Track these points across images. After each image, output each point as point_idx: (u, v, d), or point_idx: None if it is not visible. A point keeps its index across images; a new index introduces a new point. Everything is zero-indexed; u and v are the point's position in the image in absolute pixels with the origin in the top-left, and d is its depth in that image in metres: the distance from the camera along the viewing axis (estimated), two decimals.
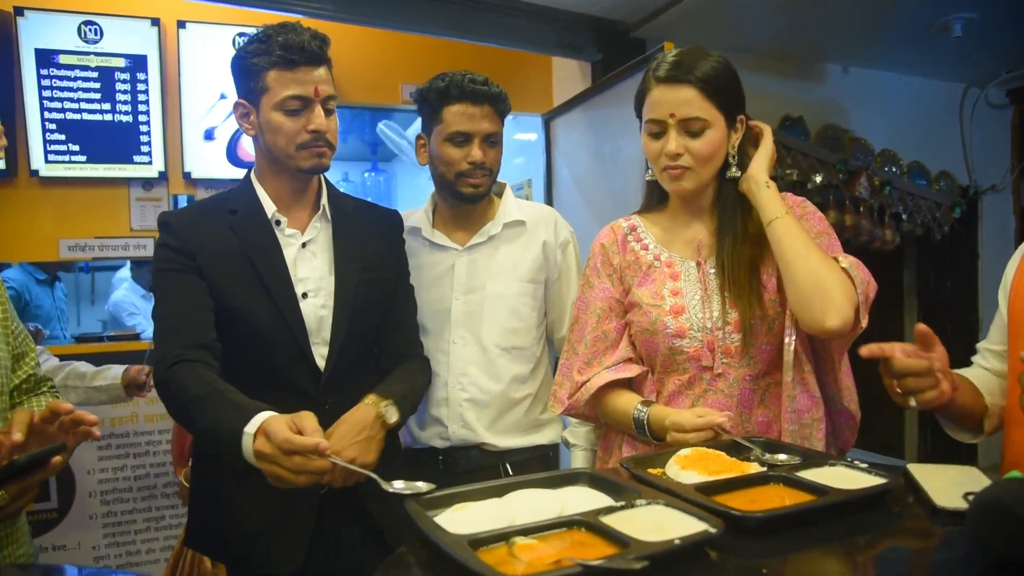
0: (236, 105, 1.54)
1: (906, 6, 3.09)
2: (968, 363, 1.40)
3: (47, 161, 2.85)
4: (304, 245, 1.55)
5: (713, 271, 1.41)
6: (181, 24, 2.98)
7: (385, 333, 1.64)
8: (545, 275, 1.83)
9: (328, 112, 1.51)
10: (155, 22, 2.96)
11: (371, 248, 1.60)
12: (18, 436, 1.10)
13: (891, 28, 3.36)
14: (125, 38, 2.92)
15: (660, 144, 1.38)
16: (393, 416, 1.44)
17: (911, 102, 4.08)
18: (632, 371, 1.44)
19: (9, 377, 1.36)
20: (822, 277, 1.27)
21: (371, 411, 1.42)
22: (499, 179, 1.86)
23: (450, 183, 1.75)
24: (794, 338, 1.35)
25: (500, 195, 1.87)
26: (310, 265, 1.54)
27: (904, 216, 3.88)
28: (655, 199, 1.54)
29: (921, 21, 3.22)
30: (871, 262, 1.35)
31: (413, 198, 4.92)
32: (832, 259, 1.32)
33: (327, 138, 1.50)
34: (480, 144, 1.73)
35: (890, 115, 3.98)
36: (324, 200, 1.58)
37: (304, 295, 1.51)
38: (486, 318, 1.78)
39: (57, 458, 1.12)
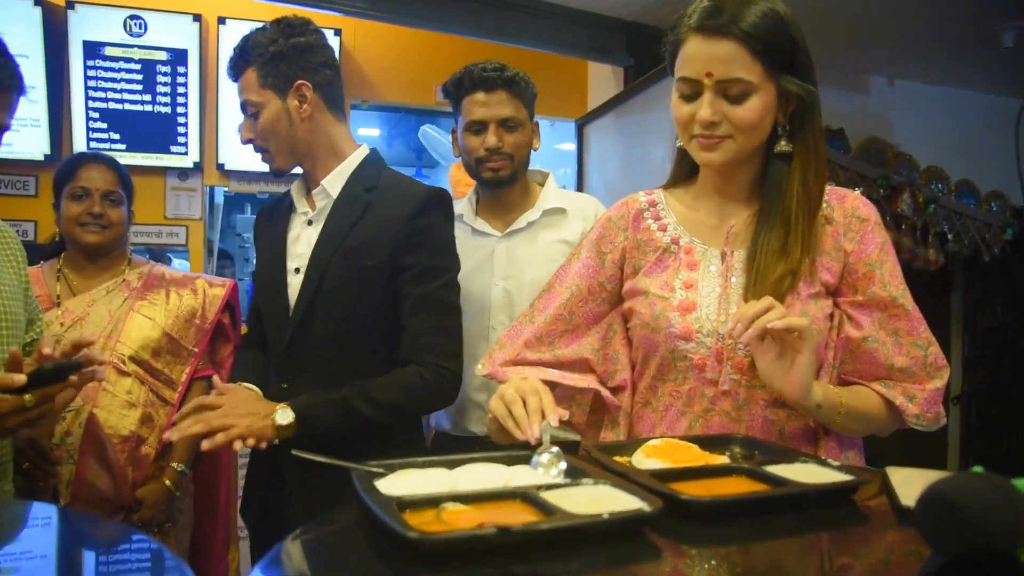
0: (299, 86, 1.53)
1: (954, 16, 2.99)
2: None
3: (88, 147, 2.98)
4: (310, 223, 1.56)
5: (740, 265, 1.18)
6: (221, 20, 3.10)
7: (380, 325, 1.53)
8: None
9: (252, 116, 1.57)
10: (197, 18, 3.08)
11: (361, 234, 1.50)
12: (46, 350, 1.27)
13: (938, 39, 3.25)
14: (168, 32, 3.05)
15: (692, 108, 1.14)
16: (285, 419, 1.38)
17: (961, 117, 3.93)
18: (580, 382, 1.24)
19: (22, 336, 1.49)
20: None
21: (271, 404, 1.41)
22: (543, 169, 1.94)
23: (475, 172, 1.83)
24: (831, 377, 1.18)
25: (543, 183, 1.90)
26: (307, 242, 1.55)
27: (950, 236, 3.73)
28: (684, 171, 1.29)
29: (970, 32, 3.11)
30: (913, 282, 1.21)
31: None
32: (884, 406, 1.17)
33: (255, 143, 1.59)
34: (495, 130, 1.76)
35: (938, 130, 3.84)
36: (326, 179, 1.55)
37: (296, 270, 1.54)
38: (525, 303, 1.75)
39: (73, 377, 1.24)
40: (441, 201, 1.56)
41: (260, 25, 1.54)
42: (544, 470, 0.93)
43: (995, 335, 4.07)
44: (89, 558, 0.89)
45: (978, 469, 0.76)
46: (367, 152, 1.60)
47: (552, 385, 1.19)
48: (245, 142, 1.56)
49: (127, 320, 1.84)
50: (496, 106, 1.76)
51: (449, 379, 1.50)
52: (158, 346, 1.86)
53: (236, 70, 1.53)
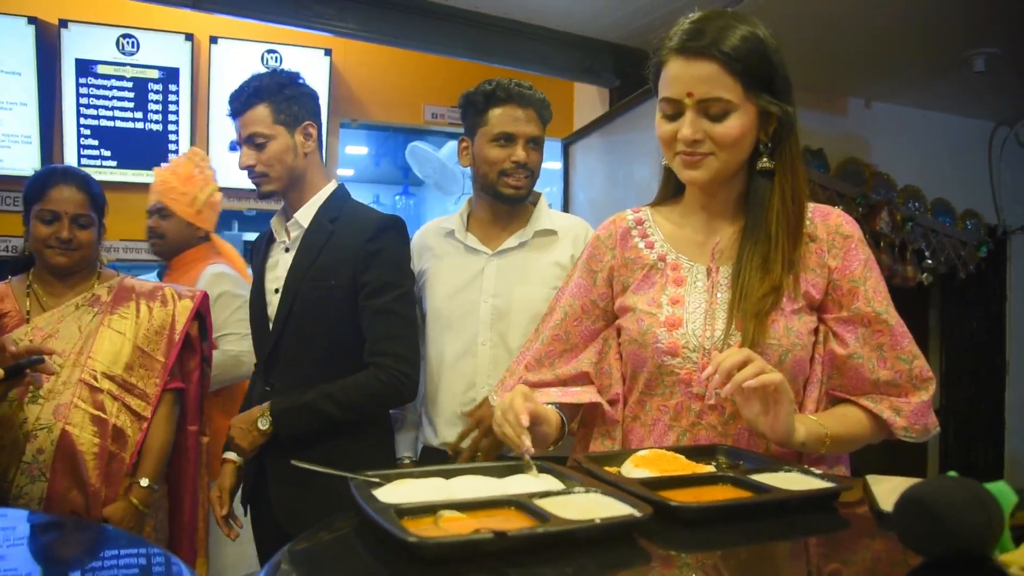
0: (306, 126, 1.86)
1: (927, 41, 3.08)
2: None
3: (80, 164, 3.00)
4: (287, 250, 1.83)
5: (726, 281, 1.21)
6: (213, 40, 3.13)
7: (348, 338, 1.76)
8: None
9: (257, 147, 1.80)
10: (189, 37, 3.11)
11: (326, 259, 1.75)
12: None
13: (913, 63, 3.34)
14: (160, 51, 3.08)
15: (674, 127, 1.17)
16: (264, 424, 1.69)
17: (937, 139, 4.03)
18: (583, 397, 1.28)
19: None
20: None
21: (256, 412, 1.71)
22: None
23: (492, 184, 1.82)
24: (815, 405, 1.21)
25: (535, 204, 1.92)
26: (284, 267, 1.81)
27: (927, 253, 3.82)
28: (671, 189, 1.33)
29: (943, 56, 3.20)
30: (892, 299, 1.24)
31: None
32: (870, 420, 1.19)
33: (256, 170, 1.79)
34: (524, 145, 1.80)
35: (914, 151, 3.94)
36: (299, 212, 1.82)
37: (276, 291, 1.80)
38: (512, 321, 1.81)
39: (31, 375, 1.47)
40: (394, 225, 1.81)
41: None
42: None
43: (972, 350, 4.15)
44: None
45: (953, 474, 0.80)
46: (335, 187, 1.86)
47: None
48: (244, 167, 1.80)
49: (98, 335, 1.83)
50: (527, 124, 1.80)
51: (403, 380, 1.71)
52: (131, 360, 1.84)
53: (246, 105, 1.76)
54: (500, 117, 1.79)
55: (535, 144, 1.82)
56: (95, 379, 1.80)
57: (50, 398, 1.76)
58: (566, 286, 1.37)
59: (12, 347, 1.50)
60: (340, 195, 1.86)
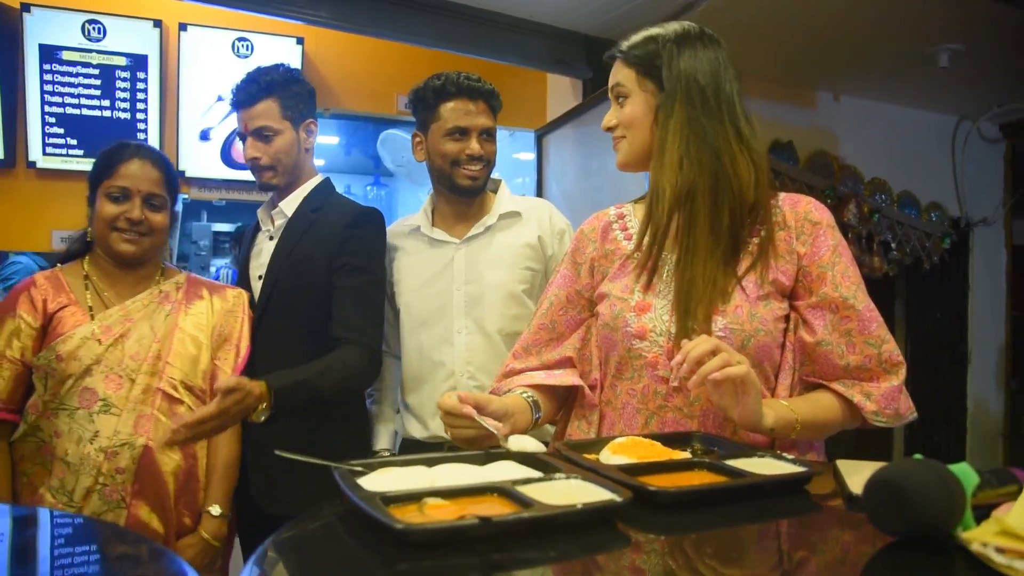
0: (308, 123, 1.90)
1: (894, 36, 3.14)
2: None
3: (44, 153, 2.92)
4: (271, 238, 1.88)
5: None
6: (183, 27, 3.07)
7: (325, 321, 1.77)
8: (543, 264, 1.90)
9: (264, 139, 1.83)
10: (157, 23, 3.05)
11: (305, 245, 1.81)
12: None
13: (880, 58, 3.41)
14: (127, 38, 3.01)
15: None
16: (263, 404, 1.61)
17: (902, 132, 4.12)
18: (565, 380, 1.32)
19: None
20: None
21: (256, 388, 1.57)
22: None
23: (448, 176, 1.84)
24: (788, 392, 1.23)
25: (495, 191, 1.95)
26: (267, 254, 1.86)
27: (893, 245, 3.91)
28: None
29: (909, 52, 3.27)
30: None
31: (415, 211, 5.01)
32: (840, 405, 1.22)
33: (261, 162, 1.83)
34: (477, 138, 1.82)
35: (881, 144, 4.03)
36: (283, 202, 1.88)
37: (259, 277, 1.85)
38: (487, 306, 1.84)
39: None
40: (373, 216, 1.86)
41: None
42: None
43: (936, 339, 4.27)
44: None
45: (918, 457, 0.83)
46: (320, 180, 1.92)
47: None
48: (250, 159, 1.84)
49: (174, 339, 1.63)
50: (478, 115, 1.83)
51: (376, 358, 1.76)
52: (207, 368, 1.66)
53: (255, 98, 1.79)
54: (452, 111, 1.82)
55: (488, 135, 1.85)
56: (175, 389, 1.60)
57: (127, 408, 1.55)
58: (552, 280, 1.45)
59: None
60: (324, 187, 1.91)
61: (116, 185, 1.60)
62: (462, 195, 1.87)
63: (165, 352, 1.61)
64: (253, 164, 1.84)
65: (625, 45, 1.34)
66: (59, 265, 1.68)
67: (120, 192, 1.60)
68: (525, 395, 1.29)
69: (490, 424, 1.08)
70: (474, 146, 1.81)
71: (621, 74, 1.33)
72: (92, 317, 1.59)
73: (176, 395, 1.60)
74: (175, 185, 1.71)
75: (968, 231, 4.31)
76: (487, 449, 1.08)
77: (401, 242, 1.95)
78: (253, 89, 1.80)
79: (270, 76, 1.81)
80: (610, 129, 1.36)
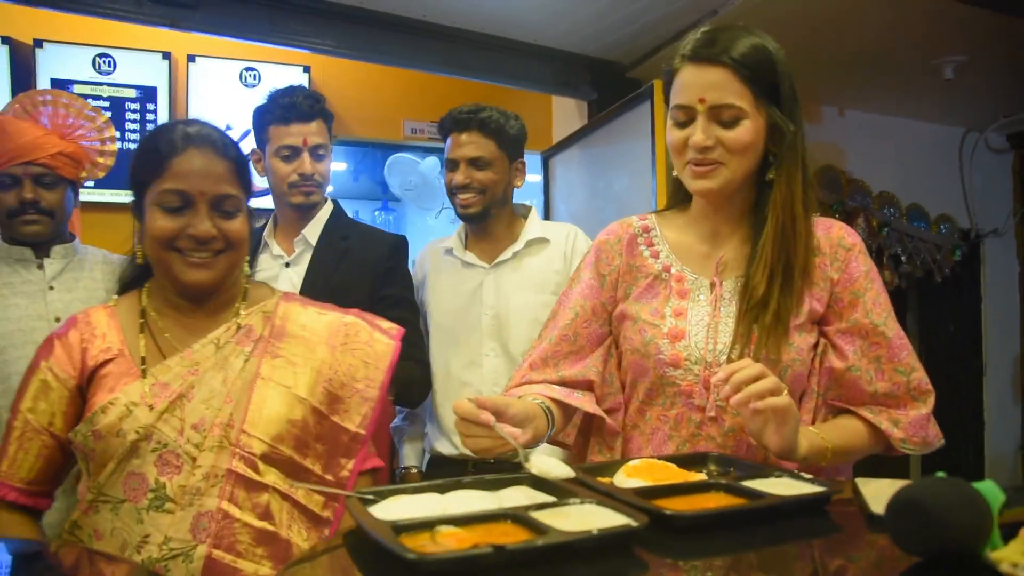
0: (251, 152, 1.87)
1: (898, 50, 3.15)
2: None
3: None
4: (287, 265, 1.90)
5: (728, 295, 1.22)
6: (191, 58, 3.12)
7: None
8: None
9: (318, 158, 1.88)
10: (166, 55, 3.10)
11: (343, 274, 1.85)
12: None
13: (884, 71, 3.42)
14: (137, 70, 3.06)
15: (685, 134, 1.17)
16: None
17: (909, 145, 4.11)
18: (585, 406, 1.25)
19: None
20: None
21: None
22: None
23: (453, 205, 1.97)
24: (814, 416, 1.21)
25: (526, 216, 2.03)
26: (289, 282, 1.86)
27: (903, 258, 3.88)
28: (680, 198, 1.32)
29: (913, 65, 3.27)
30: None
31: (422, 237, 5.04)
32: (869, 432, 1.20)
33: (315, 179, 1.86)
34: (464, 168, 1.90)
35: (888, 158, 4.02)
36: (306, 229, 1.91)
37: None
38: (513, 330, 1.91)
39: None
40: (404, 246, 1.98)
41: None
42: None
43: (949, 352, 4.22)
44: None
45: (941, 475, 0.82)
46: (333, 206, 1.97)
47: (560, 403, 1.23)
48: (307, 173, 1.85)
49: (254, 391, 1.17)
50: (467, 146, 1.90)
51: (429, 372, 1.90)
52: (303, 429, 1.19)
53: (312, 116, 1.84)
54: (449, 145, 1.95)
55: (480, 164, 1.91)
56: (255, 469, 1.15)
57: (184, 501, 1.10)
58: (572, 288, 1.34)
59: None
60: (340, 213, 1.98)
61: (170, 189, 1.15)
62: (465, 221, 1.99)
63: (240, 414, 1.16)
64: (303, 179, 1.85)
65: (736, 53, 1.12)
66: (114, 298, 1.26)
67: (177, 198, 1.15)
68: (541, 404, 1.20)
69: (507, 433, 1.03)
70: (457, 177, 1.92)
71: (728, 87, 1.13)
72: (144, 373, 1.16)
73: (258, 477, 1.15)
74: (248, 174, 1.25)
75: (979, 242, 4.28)
76: (504, 456, 1.04)
77: (435, 262, 2.04)
78: (310, 104, 1.85)
79: (317, 99, 1.87)
80: (705, 149, 1.15)
